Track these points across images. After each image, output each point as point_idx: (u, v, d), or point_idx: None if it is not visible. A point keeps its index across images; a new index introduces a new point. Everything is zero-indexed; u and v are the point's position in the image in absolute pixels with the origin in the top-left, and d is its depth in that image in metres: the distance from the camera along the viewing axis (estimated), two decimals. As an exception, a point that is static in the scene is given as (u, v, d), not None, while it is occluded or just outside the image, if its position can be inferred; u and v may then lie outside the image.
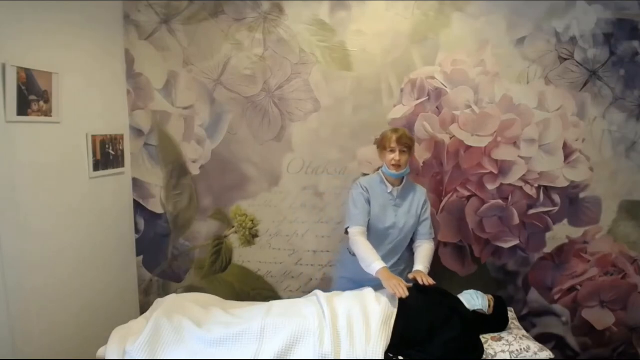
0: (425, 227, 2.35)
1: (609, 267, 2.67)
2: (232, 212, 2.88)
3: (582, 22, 2.55)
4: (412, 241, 2.39)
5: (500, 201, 2.68)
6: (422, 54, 2.65)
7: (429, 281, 2.07)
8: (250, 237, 2.89)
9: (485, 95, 2.62)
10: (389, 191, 2.31)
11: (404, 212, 2.31)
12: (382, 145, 2.31)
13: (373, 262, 2.11)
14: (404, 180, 2.34)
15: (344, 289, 2.27)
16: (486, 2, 2.59)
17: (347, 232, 2.30)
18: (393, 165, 2.24)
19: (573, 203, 2.66)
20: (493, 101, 2.61)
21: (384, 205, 2.30)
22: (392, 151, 2.24)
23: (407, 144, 2.24)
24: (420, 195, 2.36)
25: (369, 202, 2.29)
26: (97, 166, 2.58)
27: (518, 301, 2.76)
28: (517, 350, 1.97)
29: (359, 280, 2.24)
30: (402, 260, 2.36)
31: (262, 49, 2.74)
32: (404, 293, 1.96)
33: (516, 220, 2.68)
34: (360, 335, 1.90)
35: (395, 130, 2.29)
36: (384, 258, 2.25)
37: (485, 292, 2.23)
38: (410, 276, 2.15)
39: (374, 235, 2.29)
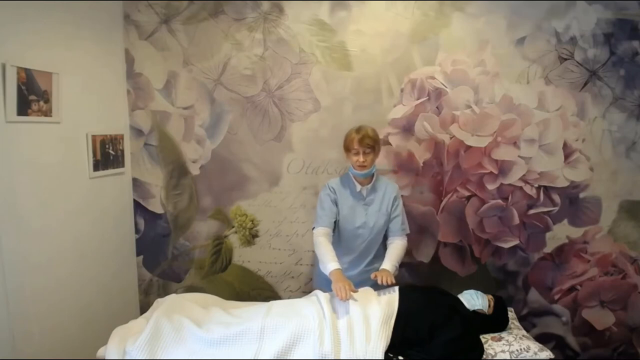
0: (397, 224, 2.31)
1: (609, 267, 2.67)
2: (232, 212, 2.88)
3: (582, 22, 2.55)
4: (386, 238, 2.35)
5: (500, 201, 2.68)
6: (422, 54, 2.65)
7: (389, 281, 2.03)
8: (250, 237, 2.89)
9: (485, 95, 2.62)
10: (357, 190, 2.29)
11: (374, 211, 2.29)
12: (345, 146, 2.27)
13: (328, 263, 2.09)
14: (374, 178, 2.32)
15: (322, 286, 2.24)
16: (486, 2, 2.59)
17: None
18: (359, 166, 2.22)
19: (573, 203, 2.66)
20: (493, 101, 2.61)
21: (352, 206, 2.28)
22: (356, 153, 2.21)
23: (369, 144, 2.20)
24: (390, 192, 2.32)
25: (336, 203, 2.28)
26: (97, 166, 2.58)
27: (518, 301, 2.76)
28: (517, 350, 1.97)
29: None
30: (377, 259, 2.31)
31: (262, 49, 2.74)
32: (345, 297, 1.94)
33: (516, 220, 2.68)
34: (360, 335, 1.90)
35: (357, 131, 2.22)
36: (358, 257, 2.26)
37: (485, 292, 2.23)
38: (372, 276, 2.11)
39: (345, 235, 2.28)
